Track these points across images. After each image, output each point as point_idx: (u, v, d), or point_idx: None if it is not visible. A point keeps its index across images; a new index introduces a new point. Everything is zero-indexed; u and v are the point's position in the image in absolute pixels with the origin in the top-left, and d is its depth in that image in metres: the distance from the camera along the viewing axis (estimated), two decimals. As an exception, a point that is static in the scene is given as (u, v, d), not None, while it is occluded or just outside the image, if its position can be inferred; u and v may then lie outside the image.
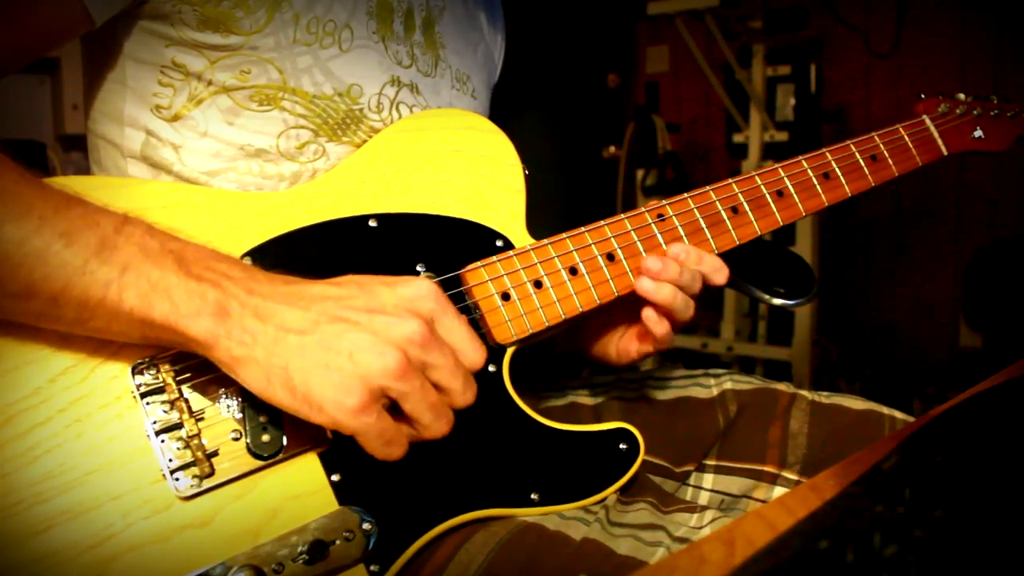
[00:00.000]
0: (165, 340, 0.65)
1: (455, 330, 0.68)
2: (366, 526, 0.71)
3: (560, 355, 1.07)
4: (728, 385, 1.03)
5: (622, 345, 0.95)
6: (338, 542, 0.69)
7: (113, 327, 0.64)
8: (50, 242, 0.61)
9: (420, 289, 0.67)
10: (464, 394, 0.68)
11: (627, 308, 0.91)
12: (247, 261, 0.75)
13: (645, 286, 0.84)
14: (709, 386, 1.03)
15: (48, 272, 0.61)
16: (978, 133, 1.12)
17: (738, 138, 3.19)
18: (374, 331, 0.64)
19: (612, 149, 3.66)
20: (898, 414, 0.97)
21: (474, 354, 0.69)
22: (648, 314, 0.86)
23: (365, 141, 0.88)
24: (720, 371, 1.06)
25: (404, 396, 0.64)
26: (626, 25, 4.23)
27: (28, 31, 0.75)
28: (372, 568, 0.70)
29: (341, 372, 0.62)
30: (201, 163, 0.84)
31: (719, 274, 0.88)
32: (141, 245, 0.64)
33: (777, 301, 1.24)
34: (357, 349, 0.63)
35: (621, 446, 0.83)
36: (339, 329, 0.64)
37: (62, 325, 0.65)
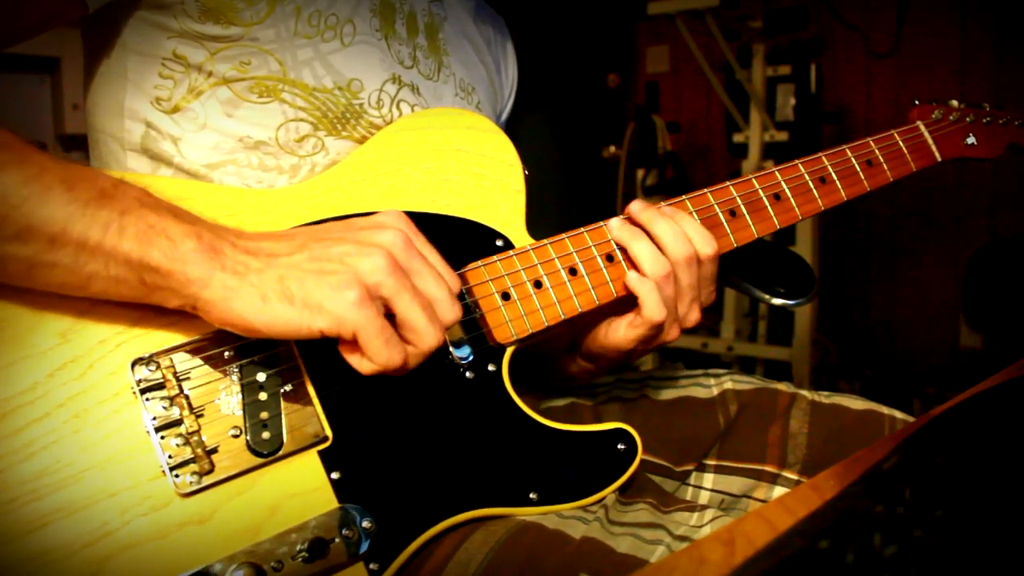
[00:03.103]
0: (159, 284, 0.65)
1: (428, 250, 0.71)
2: (365, 524, 0.70)
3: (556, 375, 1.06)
4: (728, 385, 1.03)
5: (612, 326, 0.91)
6: (337, 540, 0.69)
7: (110, 270, 0.64)
8: (51, 185, 0.63)
9: (391, 213, 0.72)
10: (452, 307, 0.70)
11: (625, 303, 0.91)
12: None
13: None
14: (709, 386, 1.03)
15: (49, 213, 0.62)
16: (971, 140, 1.14)
17: (738, 138, 3.19)
18: (358, 241, 0.67)
19: (612, 149, 3.66)
20: (898, 414, 0.97)
21: (450, 277, 0.72)
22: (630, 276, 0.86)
23: (364, 136, 0.88)
24: (720, 371, 1.06)
25: (397, 293, 0.66)
26: (626, 25, 4.22)
27: (19, 11, 0.75)
28: (371, 566, 0.70)
29: (335, 273, 0.65)
30: (200, 156, 0.84)
31: (705, 243, 0.88)
32: (138, 197, 0.66)
33: (777, 301, 1.24)
34: (346, 254, 0.66)
35: (619, 446, 0.83)
36: (325, 244, 0.67)
37: (56, 274, 0.64)
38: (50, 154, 0.65)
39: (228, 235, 0.67)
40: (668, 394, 1.04)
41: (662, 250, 0.85)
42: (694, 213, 0.92)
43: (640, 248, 0.85)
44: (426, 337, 0.68)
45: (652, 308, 0.85)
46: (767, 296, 1.23)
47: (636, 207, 0.88)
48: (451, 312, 0.70)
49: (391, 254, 0.67)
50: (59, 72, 3.56)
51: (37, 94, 3.64)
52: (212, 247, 0.65)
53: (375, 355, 0.66)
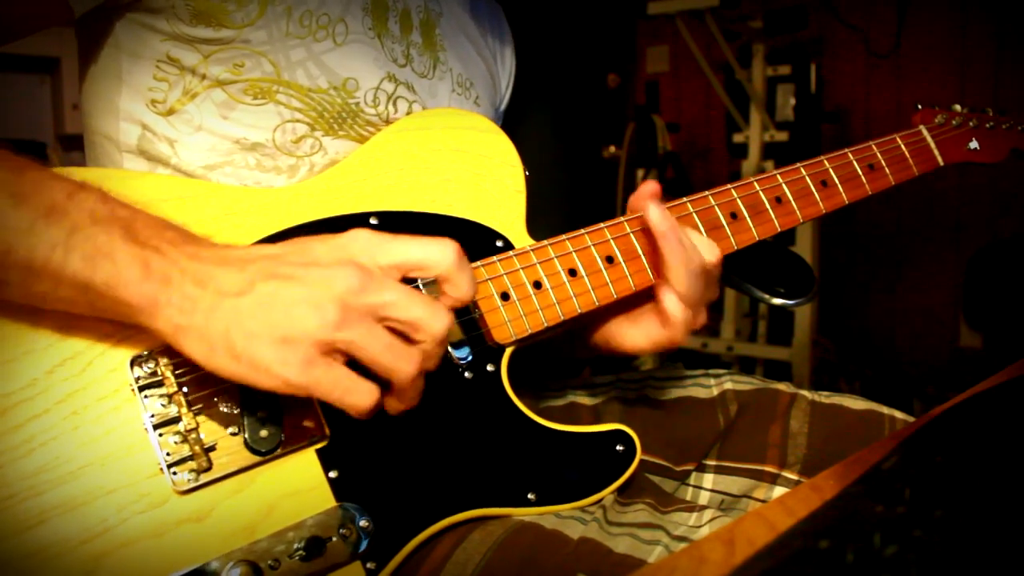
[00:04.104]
0: (108, 309, 0.63)
1: (401, 253, 0.65)
2: (363, 523, 0.70)
3: (561, 356, 1.06)
4: (728, 385, 1.02)
5: (628, 334, 0.92)
6: (335, 539, 0.69)
7: (59, 292, 0.63)
8: None
9: (353, 234, 0.65)
10: (433, 320, 0.64)
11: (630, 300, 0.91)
12: None
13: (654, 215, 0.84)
14: (709, 386, 1.03)
15: None
16: (973, 144, 1.14)
17: (738, 138, 3.19)
18: (309, 284, 0.61)
19: (612, 149, 3.66)
20: (898, 414, 0.97)
21: (438, 261, 0.65)
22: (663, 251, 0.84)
23: (362, 135, 0.88)
24: (720, 371, 1.06)
25: (352, 345, 0.62)
26: (626, 25, 4.22)
27: (4, 13, 0.75)
28: (368, 565, 0.70)
29: (281, 331, 0.60)
30: (197, 157, 0.84)
31: (710, 251, 0.87)
32: (90, 211, 0.62)
33: (777, 301, 1.24)
34: (294, 305, 0.61)
35: (618, 447, 0.83)
36: (274, 287, 0.62)
37: (10, 291, 0.64)
38: (7, 159, 0.64)
39: (179, 255, 0.63)
40: (668, 394, 1.04)
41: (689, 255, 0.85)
42: (695, 215, 0.92)
43: (671, 248, 0.84)
44: (398, 374, 0.64)
45: (680, 330, 0.86)
46: (767, 296, 1.23)
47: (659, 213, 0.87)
48: (435, 326, 0.64)
49: (344, 304, 0.61)
50: (59, 72, 3.56)
51: (37, 94, 3.64)
52: (161, 275, 0.61)
53: (340, 406, 0.63)
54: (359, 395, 0.63)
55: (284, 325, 0.60)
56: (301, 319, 0.60)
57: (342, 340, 0.61)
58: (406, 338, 0.64)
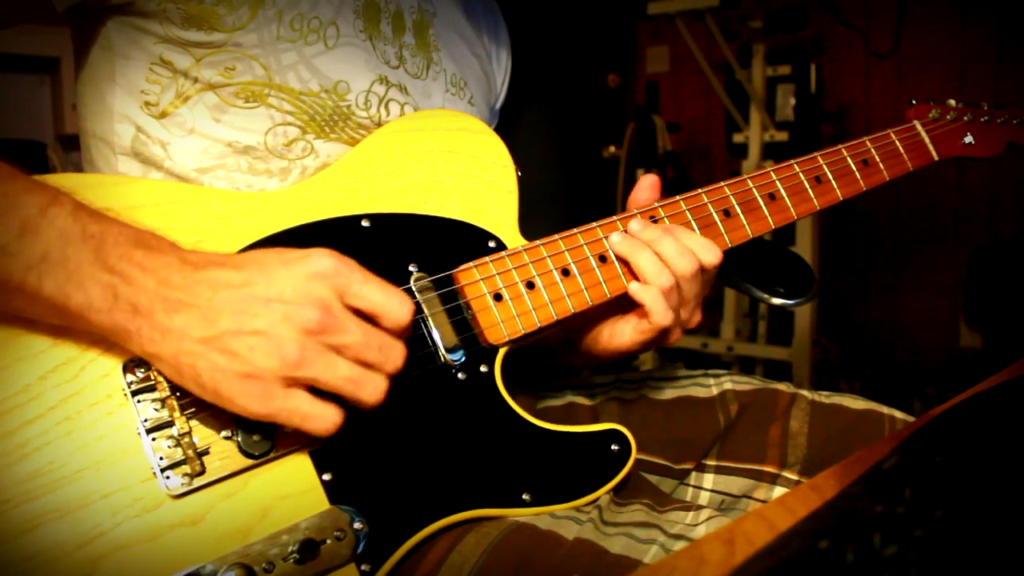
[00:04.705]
0: (85, 328, 0.65)
1: (367, 295, 0.67)
2: (357, 525, 0.70)
3: (557, 363, 1.06)
4: (728, 385, 1.02)
5: (616, 330, 0.92)
6: (329, 541, 0.68)
7: (35, 310, 0.65)
8: None
9: (319, 265, 0.66)
10: (386, 363, 0.68)
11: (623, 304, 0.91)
12: None
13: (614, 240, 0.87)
14: (709, 386, 1.03)
15: None
16: (968, 139, 1.14)
17: (738, 138, 3.19)
18: (271, 322, 0.63)
19: (612, 149, 3.66)
20: (898, 414, 0.97)
21: (396, 314, 0.68)
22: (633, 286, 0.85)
23: (353, 138, 0.88)
24: (720, 371, 1.06)
25: (314, 380, 0.65)
26: (626, 25, 4.22)
27: None
28: (363, 568, 0.70)
29: (244, 368, 0.63)
30: (190, 160, 0.84)
31: (709, 253, 0.87)
32: (62, 230, 0.63)
33: (777, 301, 1.24)
34: (256, 346, 0.63)
35: (613, 447, 0.83)
36: (237, 325, 0.63)
37: None
38: None
39: (149, 281, 0.64)
40: (668, 394, 1.04)
41: (667, 266, 0.85)
42: (688, 212, 0.91)
43: (644, 261, 0.85)
44: (362, 399, 0.67)
45: (660, 315, 0.85)
46: (767, 296, 1.23)
47: (636, 227, 0.87)
48: (389, 368, 0.68)
49: (304, 341, 0.64)
50: (59, 72, 3.57)
51: (37, 94, 3.65)
52: (129, 304, 0.63)
53: (304, 431, 0.66)
54: (319, 421, 0.66)
55: (247, 363, 0.63)
56: (263, 358, 0.63)
57: (303, 376, 0.64)
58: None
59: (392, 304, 0.68)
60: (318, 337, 0.64)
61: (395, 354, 0.68)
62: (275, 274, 0.65)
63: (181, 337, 0.63)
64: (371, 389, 0.67)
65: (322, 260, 0.66)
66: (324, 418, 0.66)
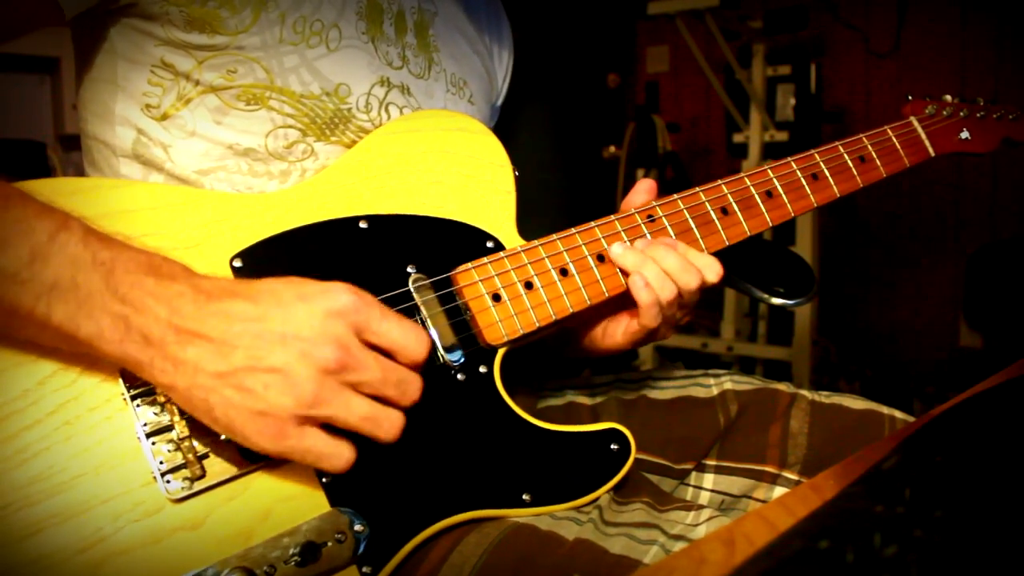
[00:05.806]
0: (95, 356, 0.65)
1: (386, 333, 0.66)
2: (358, 528, 0.70)
3: (557, 355, 1.06)
4: (728, 385, 1.02)
5: (608, 331, 0.94)
6: (330, 544, 0.68)
7: (44, 337, 0.64)
8: None
9: (338, 302, 0.64)
10: (403, 398, 0.67)
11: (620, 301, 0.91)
12: (237, 264, 0.74)
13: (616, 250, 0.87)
14: (709, 386, 1.03)
15: None
16: (964, 135, 1.14)
17: (738, 138, 3.19)
18: (288, 361, 0.62)
19: (612, 149, 3.66)
20: (898, 414, 0.97)
21: (414, 350, 0.67)
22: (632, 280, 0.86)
23: (353, 141, 0.88)
24: (720, 371, 1.06)
25: (329, 419, 0.64)
26: (626, 25, 4.23)
27: None
28: (364, 570, 0.69)
29: (258, 406, 0.62)
30: (191, 162, 0.84)
31: (711, 270, 0.88)
32: (73, 258, 0.62)
33: (777, 301, 1.24)
34: (271, 384, 0.62)
35: (612, 447, 0.83)
36: (253, 361, 0.62)
37: None
38: None
39: (161, 310, 0.62)
40: (668, 394, 1.04)
41: (671, 279, 0.86)
42: (686, 211, 0.91)
43: (650, 273, 0.86)
44: (378, 436, 0.66)
45: (650, 319, 0.87)
46: (767, 296, 1.23)
47: (641, 243, 0.88)
48: (404, 403, 0.67)
49: (321, 383, 0.62)
50: (59, 72, 3.57)
51: (37, 94, 3.65)
52: (140, 336, 0.62)
53: (317, 468, 0.67)
54: (334, 459, 0.65)
55: (261, 400, 0.62)
56: (277, 396, 0.62)
57: (318, 415, 0.63)
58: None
59: (410, 340, 0.67)
60: (336, 376, 0.63)
61: (412, 389, 0.67)
62: (292, 309, 0.64)
63: (195, 371, 0.62)
64: (388, 426, 0.66)
65: (340, 297, 0.65)
66: (338, 456, 0.64)
